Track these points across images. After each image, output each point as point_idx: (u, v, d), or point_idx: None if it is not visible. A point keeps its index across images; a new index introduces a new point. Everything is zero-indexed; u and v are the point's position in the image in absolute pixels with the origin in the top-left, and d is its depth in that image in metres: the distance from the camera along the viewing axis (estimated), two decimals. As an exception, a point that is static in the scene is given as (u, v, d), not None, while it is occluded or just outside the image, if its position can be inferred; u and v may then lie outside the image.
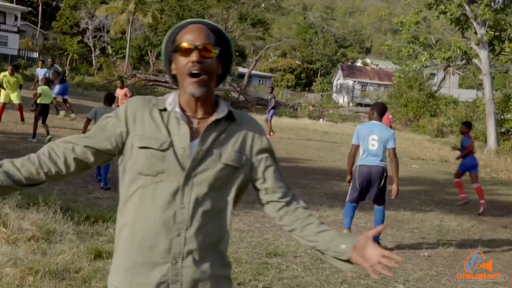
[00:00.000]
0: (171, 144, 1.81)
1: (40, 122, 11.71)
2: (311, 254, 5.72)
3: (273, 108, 19.94)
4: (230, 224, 1.92)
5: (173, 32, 1.95)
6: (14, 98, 13.83)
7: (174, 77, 1.96)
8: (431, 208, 9.67)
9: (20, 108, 13.98)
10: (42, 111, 11.83)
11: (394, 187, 6.59)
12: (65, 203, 6.52)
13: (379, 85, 62.17)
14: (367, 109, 46.84)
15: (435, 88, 38.92)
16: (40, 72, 17.55)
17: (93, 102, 23.85)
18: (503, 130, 25.66)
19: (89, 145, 1.86)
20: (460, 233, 7.93)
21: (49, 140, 11.04)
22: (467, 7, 23.23)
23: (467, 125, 10.37)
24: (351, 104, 58.12)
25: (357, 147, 6.74)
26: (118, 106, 15.74)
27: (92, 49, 57.08)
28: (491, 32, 23.13)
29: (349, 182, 6.79)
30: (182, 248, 1.77)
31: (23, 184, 1.79)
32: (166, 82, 39.74)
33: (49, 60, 19.88)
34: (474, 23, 23.56)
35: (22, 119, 13.96)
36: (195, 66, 1.81)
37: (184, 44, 1.83)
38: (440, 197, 11.25)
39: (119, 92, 16.08)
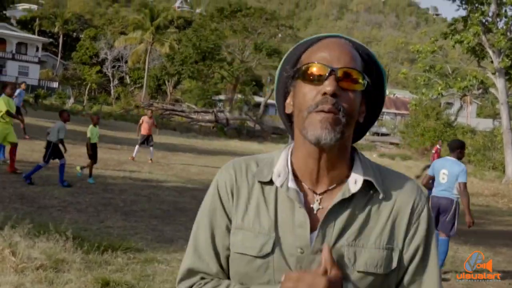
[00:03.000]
0: (277, 243, 1.24)
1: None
2: None
3: None
4: None
5: (296, 49, 1.33)
6: None
7: (288, 119, 1.35)
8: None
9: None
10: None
11: (467, 218, 6.97)
12: (76, 231, 6.53)
13: (396, 114, 62.06)
14: (384, 138, 46.79)
15: (452, 118, 38.72)
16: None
17: (110, 131, 24.08)
18: (521, 159, 25.30)
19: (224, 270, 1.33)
20: (475, 265, 7.80)
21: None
22: (483, 37, 23.21)
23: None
24: (367, 133, 57.98)
25: (429, 177, 7.31)
26: (147, 134, 16.07)
27: (111, 79, 57.91)
28: (507, 61, 23.06)
29: None
30: None
31: None
32: (182, 111, 40.11)
33: (20, 84, 18.50)
34: (490, 52, 23.51)
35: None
36: (328, 100, 1.19)
37: (314, 66, 1.22)
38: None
39: (147, 121, 16.32)
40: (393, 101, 66.67)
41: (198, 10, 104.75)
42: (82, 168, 11.32)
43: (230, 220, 1.31)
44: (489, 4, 23.40)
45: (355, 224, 1.24)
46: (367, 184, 1.26)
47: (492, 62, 24.07)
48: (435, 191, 7.15)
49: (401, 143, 39.73)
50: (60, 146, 10.21)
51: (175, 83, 54.05)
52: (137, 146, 15.98)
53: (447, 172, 6.98)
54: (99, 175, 10.48)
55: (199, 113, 41.13)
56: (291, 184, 1.26)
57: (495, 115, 38.96)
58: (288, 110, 1.32)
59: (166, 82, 54.12)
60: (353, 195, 1.24)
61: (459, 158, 7.16)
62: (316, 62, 1.22)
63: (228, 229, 1.31)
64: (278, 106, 1.39)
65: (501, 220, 9.83)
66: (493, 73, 23.86)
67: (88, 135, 11.35)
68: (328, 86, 1.18)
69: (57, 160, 10.18)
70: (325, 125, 1.18)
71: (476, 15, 22.88)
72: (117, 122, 31.65)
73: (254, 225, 1.27)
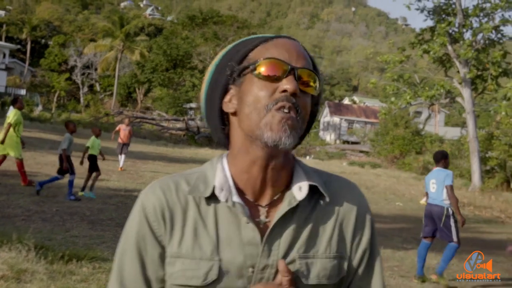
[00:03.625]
0: (224, 267, 1.12)
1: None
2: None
3: None
4: None
5: (240, 46, 1.22)
6: None
7: (222, 121, 1.23)
8: (413, 246, 9.63)
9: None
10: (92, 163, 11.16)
11: (458, 218, 7.21)
12: (40, 241, 6.41)
13: (366, 122, 62.68)
14: (354, 146, 47.24)
15: (420, 126, 39.29)
16: None
17: (79, 139, 23.76)
18: (487, 168, 25.81)
19: None
20: (440, 272, 7.90)
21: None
22: (449, 47, 23.64)
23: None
24: (337, 141, 58.46)
25: (426, 193, 7.77)
26: (123, 142, 15.90)
27: (80, 86, 57.30)
28: (474, 71, 23.51)
29: None
30: None
31: None
32: (153, 119, 39.83)
33: None
34: (457, 62, 23.95)
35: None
36: (288, 99, 1.10)
37: (273, 62, 1.12)
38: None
39: (124, 128, 16.17)
40: (363, 110, 67.36)
41: (169, 18, 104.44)
42: (84, 188, 10.99)
43: (163, 248, 1.16)
44: (455, 15, 23.87)
45: (304, 233, 1.16)
46: (311, 190, 1.18)
47: (458, 72, 24.51)
48: (428, 201, 7.55)
49: (371, 151, 40.12)
50: (64, 157, 10.05)
51: (146, 91, 53.76)
52: (119, 156, 15.87)
53: (435, 181, 7.36)
54: (65, 184, 10.32)
55: (170, 121, 40.89)
56: (236, 198, 1.14)
57: (463, 124, 39.62)
58: (229, 108, 1.18)
59: (137, 89, 53.79)
60: (299, 203, 1.16)
61: (445, 167, 7.51)
62: (276, 58, 1.13)
63: (162, 258, 1.16)
64: (211, 106, 1.23)
65: (467, 227, 9.96)
66: (460, 83, 24.29)
67: (88, 144, 11.13)
68: (288, 84, 1.10)
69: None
70: (285, 127, 1.09)
71: (443, 25, 23.32)
72: (86, 130, 31.21)
73: (194, 251, 1.13)
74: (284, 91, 1.10)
